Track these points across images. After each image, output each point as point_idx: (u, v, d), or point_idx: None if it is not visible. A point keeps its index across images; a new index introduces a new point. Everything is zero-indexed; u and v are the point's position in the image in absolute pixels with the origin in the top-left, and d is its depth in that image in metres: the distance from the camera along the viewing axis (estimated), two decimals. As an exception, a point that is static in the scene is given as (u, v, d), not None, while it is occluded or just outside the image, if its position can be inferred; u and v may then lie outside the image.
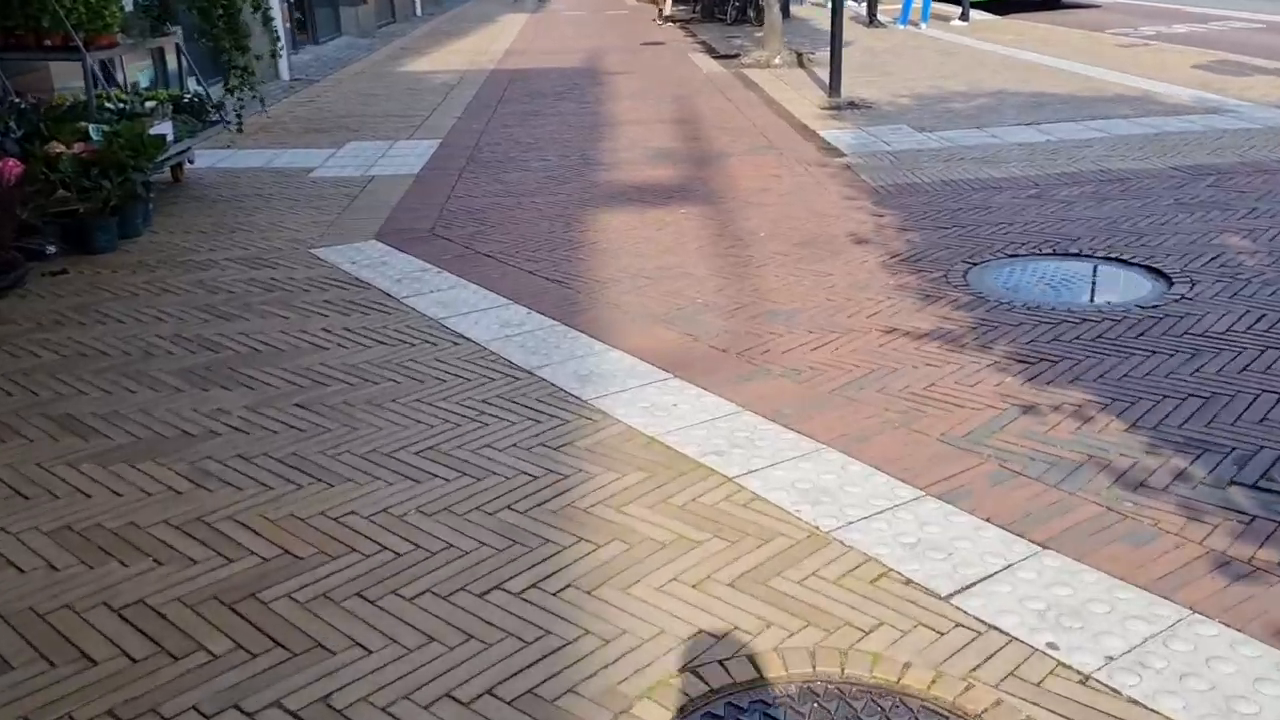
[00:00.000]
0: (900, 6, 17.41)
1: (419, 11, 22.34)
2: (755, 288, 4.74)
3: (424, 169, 7.40)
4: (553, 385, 3.69)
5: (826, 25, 18.23)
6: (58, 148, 5.21)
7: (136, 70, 7.07)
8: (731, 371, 3.80)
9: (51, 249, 5.20)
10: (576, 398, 3.59)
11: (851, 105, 9.63)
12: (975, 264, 4.98)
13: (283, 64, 12.16)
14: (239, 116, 6.93)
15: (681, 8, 23.81)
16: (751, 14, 18.81)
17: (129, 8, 6.19)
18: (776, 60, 12.78)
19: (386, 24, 19.60)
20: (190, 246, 5.57)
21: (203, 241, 5.67)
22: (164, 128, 5.98)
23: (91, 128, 5.38)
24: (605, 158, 7.71)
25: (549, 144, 8.28)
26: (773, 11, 13.01)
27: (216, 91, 7.86)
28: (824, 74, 11.77)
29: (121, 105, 5.79)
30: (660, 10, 20.14)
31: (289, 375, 3.86)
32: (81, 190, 5.18)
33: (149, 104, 5.99)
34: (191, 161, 7.14)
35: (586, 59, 14.25)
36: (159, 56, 8.46)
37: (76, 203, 5.18)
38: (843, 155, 7.53)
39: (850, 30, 17.05)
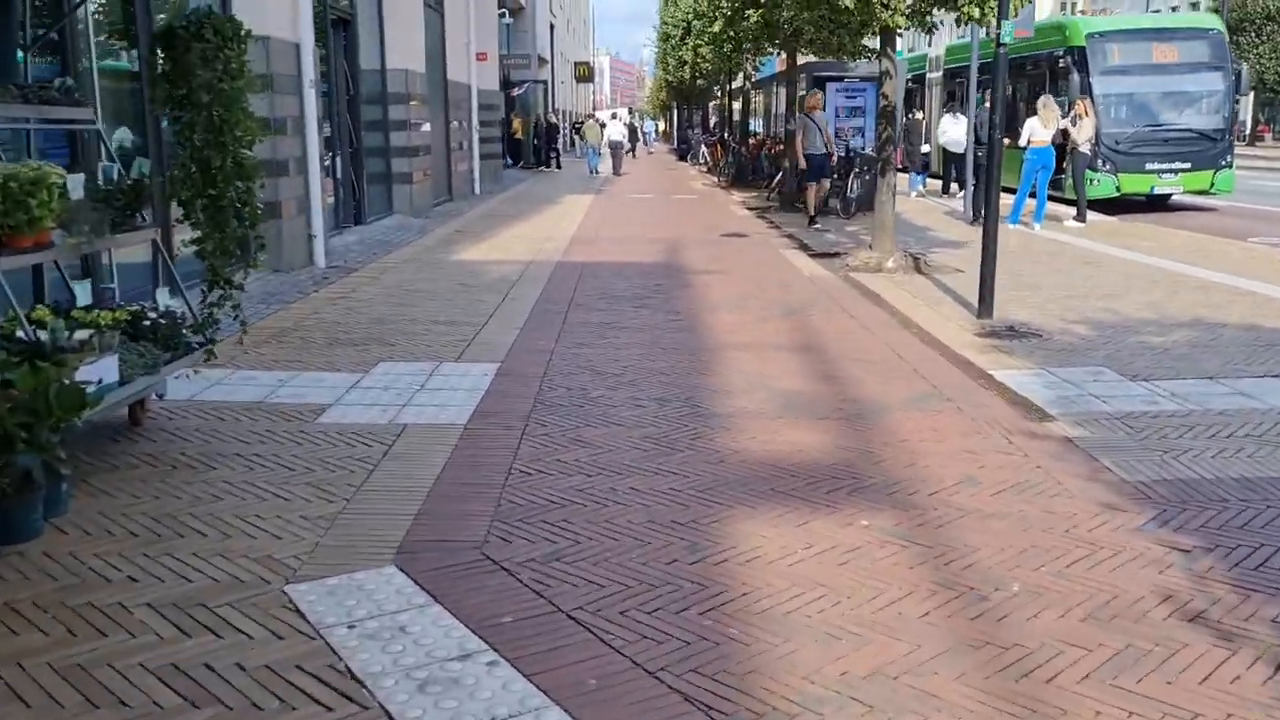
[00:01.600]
0: (1011, 203, 15.75)
1: (477, 190, 21.15)
2: (1075, 748, 2.56)
3: (475, 415, 5.41)
4: None
5: (918, 219, 16.65)
6: (-100, 414, 3.26)
7: (76, 281, 5.21)
8: None
9: None
10: None
11: (1013, 331, 7.65)
12: None
13: (318, 248, 10.52)
14: (210, 342, 5.01)
15: (752, 195, 22.52)
16: (837, 204, 17.30)
17: (78, 193, 4.37)
18: (890, 263, 10.95)
19: (442, 202, 18.29)
20: (101, 570, 3.52)
21: (126, 556, 3.62)
22: (102, 368, 4.05)
23: (-29, 377, 3.44)
24: (719, 404, 5.69)
25: (640, 377, 6.30)
26: (885, 208, 11.27)
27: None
28: (952, 283, 9.92)
29: (35, 337, 3.87)
30: (809, 212, 15.66)
31: None
32: (-73, 484, 3.20)
33: (81, 334, 4.07)
34: (160, 396, 5.21)
35: (664, 251, 12.55)
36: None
37: (-82, 503, 3.18)
38: (1050, 417, 5.45)
39: (948, 227, 15.37)
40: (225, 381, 5.97)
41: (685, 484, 4.42)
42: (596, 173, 31.26)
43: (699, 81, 35.20)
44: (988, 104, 16.06)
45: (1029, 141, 14.54)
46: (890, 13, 9.20)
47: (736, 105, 32.97)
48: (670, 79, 42.04)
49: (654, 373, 6.42)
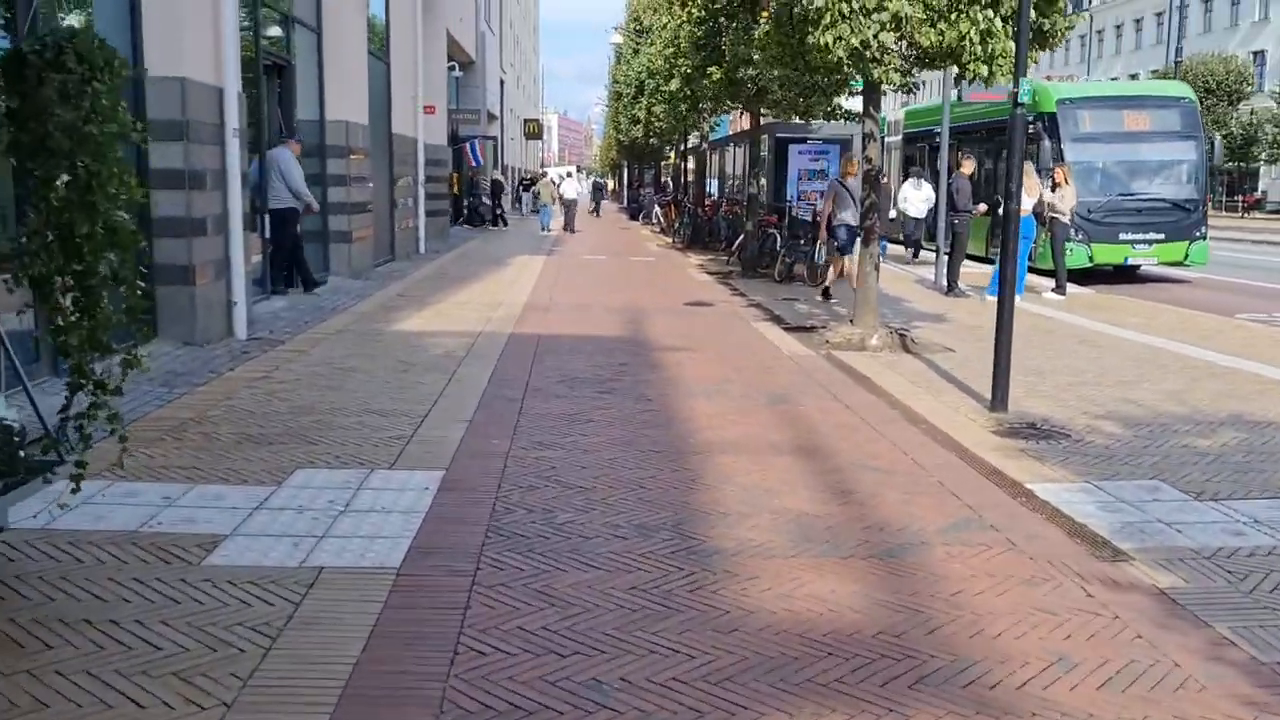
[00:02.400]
0: (989, 273, 15.02)
1: (422, 248, 20.01)
2: None
3: (413, 553, 4.25)
4: None
5: (890, 288, 15.65)
6: None
7: None
8: None
9: None
10: None
11: (1035, 430, 6.70)
12: None
13: (238, 317, 9.30)
14: (78, 467, 3.79)
15: (710, 258, 21.67)
16: (804, 270, 16.46)
17: None
18: (874, 341, 10.02)
19: (384, 262, 17.12)
20: None
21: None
22: (-122, 519, 2.84)
23: None
24: (717, 534, 4.60)
25: (615, 492, 5.18)
26: (867, 280, 10.37)
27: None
28: (945, 364, 9.02)
29: None
30: (824, 283, 14.16)
31: None
32: None
33: None
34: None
35: (625, 322, 11.50)
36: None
37: None
38: (1123, 555, 4.44)
39: (923, 298, 14.53)
40: (97, 499, 4.75)
41: (693, 671, 3.30)
42: (549, 230, 30.50)
43: (652, 140, 34.55)
44: (963, 169, 15.44)
45: (1009, 210, 13.81)
46: (884, 69, 8.33)
47: (689, 164, 32.36)
48: (622, 138, 41.44)
49: (631, 485, 5.31)
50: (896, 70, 8.39)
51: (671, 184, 36.28)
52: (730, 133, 29.02)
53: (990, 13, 7.86)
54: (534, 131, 59.31)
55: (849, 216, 13.24)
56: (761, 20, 16.31)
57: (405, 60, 18.87)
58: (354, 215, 14.68)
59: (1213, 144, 17.59)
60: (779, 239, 17.91)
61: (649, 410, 7.08)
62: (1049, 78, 20.09)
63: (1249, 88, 48.68)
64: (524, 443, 6.10)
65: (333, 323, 10.67)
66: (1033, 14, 8.15)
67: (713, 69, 17.10)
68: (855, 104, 12.73)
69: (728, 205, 23.64)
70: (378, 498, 4.95)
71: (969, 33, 7.77)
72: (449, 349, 9.23)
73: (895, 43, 8.18)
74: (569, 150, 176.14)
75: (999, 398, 7.16)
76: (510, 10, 51.24)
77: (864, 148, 10.25)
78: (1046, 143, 17.28)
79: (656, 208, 34.19)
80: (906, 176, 22.43)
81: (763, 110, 17.87)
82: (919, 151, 23.89)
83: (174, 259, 8.46)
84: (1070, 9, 8.15)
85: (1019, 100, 6.94)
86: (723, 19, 17.27)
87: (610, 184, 68.09)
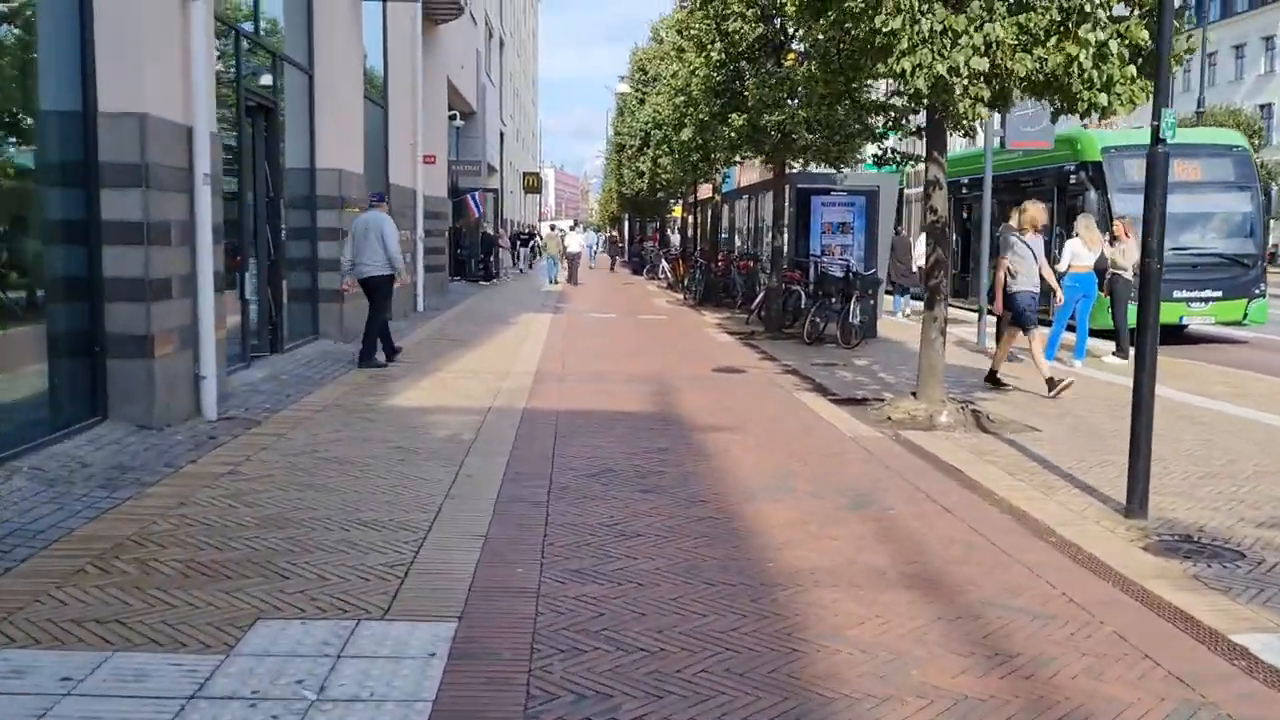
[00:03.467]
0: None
1: (420, 306, 18.68)
2: None
3: (415, 787, 2.84)
4: None
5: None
6: None
7: None
8: None
9: None
10: None
11: (1196, 545, 5.36)
12: None
13: (207, 393, 7.92)
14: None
15: (726, 315, 20.41)
16: (835, 331, 15.16)
17: None
18: (944, 418, 8.67)
19: (379, 322, 15.74)
20: None
21: None
22: None
23: None
24: (850, 736, 3.19)
25: (692, 660, 3.77)
26: (933, 347, 9.04)
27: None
28: (1036, 448, 7.75)
29: None
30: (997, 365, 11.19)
31: None
32: None
33: None
34: None
35: (652, 394, 10.14)
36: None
37: None
38: None
39: (974, 363, 13.04)
40: (-32, 680, 3.34)
41: None
42: (555, 283, 29.62)
43: (658, 193, 33.50)
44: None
45: (1069, 266, 12.56)
46: (970, 103, 7.07)
47: (698, 217, 31.23)
48: (625, 190, 40.44)
49: (711, 644, 3.91)
50: (984, 103, 7.12)
51: (679, 237, 35.16)
52: (738, 184, 27.93)
53: (1101, 34, 6.61)
54: (533, 185, 58.38)
55: (1026, 282, 10.57)
56: (787, 62, 15.26)
57: (404, 106, 17.72)
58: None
59: (1268, 195, 16.38)
60: (802, 296, 16.67)
61: (706, 518, 5.69)
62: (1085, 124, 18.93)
63: (1258, 141, 47.93)
64: (557, 572, 4.70)
65: (318, 396, 9.29)
66: (1145, 36, 6.93)
67: (734, 115, 15.95)
68: (901, 147, 11.49)
69: (741, 260, 22.42)
70: (366, 673, 3.55)
71: (1079, 56, 6.51)
72: (454, 430, 7.85)
73: (987, 72, 6.92)
74: (566, 204, 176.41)
75: (1137, 500, 5.79)
76: (510, 62, 50.56)
77: (927, 196, 8.98)
78: (1092, 193, 16.15)
79: (664, 262, 33.06)
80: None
81: (789, 159, 16.64)
82: (943, 204, 22.75)
83: (128, 327, 7.12)
84: (1188, 27, 6.88)
85: (1160, 136, 5.67)
86: (744, 63, 16.17)
87: (614, 235, 67.27)
